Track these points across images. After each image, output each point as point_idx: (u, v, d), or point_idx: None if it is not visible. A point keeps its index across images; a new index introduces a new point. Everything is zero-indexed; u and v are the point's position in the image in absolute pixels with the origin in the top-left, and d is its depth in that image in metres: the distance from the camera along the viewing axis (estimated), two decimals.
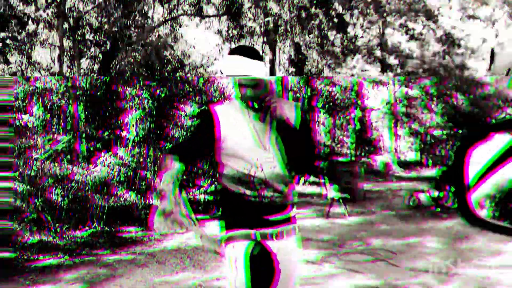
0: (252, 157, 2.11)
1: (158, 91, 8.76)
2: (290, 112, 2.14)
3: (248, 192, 2.12)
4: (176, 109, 9.30)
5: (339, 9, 14.84)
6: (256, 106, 2.13)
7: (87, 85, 8.86)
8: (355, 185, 10.84)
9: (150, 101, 8.77)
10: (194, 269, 5.19)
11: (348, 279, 4.73)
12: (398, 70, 17.55)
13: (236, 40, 15.20)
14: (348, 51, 15.21)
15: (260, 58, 2.17)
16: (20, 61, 12.10)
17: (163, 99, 8.94)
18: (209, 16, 14.91)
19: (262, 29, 14.86)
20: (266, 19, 14.48)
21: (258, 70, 2.14)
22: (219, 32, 15.67)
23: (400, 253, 5.76)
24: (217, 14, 14.86)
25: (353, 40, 15.46)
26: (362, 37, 15.79)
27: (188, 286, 4.64)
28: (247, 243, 2.13)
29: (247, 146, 2.12)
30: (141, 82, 8.54)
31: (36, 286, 4.75)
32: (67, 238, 6.62)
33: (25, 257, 5.78)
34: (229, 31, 15.30)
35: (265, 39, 15.26)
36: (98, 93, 8.88)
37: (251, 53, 2.15)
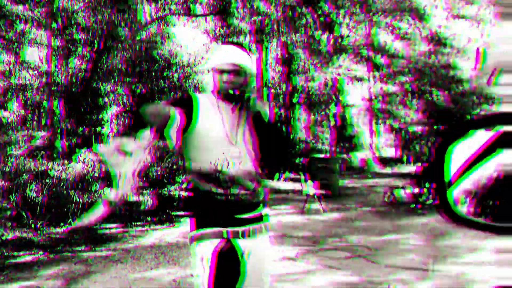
0: (219, 152, 2.07)
1: (133, 87, 8.75)
2: (262, 107, 2.15)
3: (214, 189, 2.07)
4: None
5: (326, 8, 14.85)
6: (231, 92, 2.09)
7: (63, 81, 8.82)
8: (332, 181, 10.83)
9: (125, 97, 8.76)
10: (168, 265, 5.18)
11: (325, 275, 4.68)
12: (385, 70, 17.52)
13: (224, 39, 15.19)
14: (335, 50, 15.23)
15: (249, 53, 2.16)
16: (8, 60, 12.07)
17: (139, 95, 8.92)
18: (197, 16, 14.87)
19: (250, 28, 14.88)
20: (254, 19, 14.51)
21: (248, 61, 2.12)
22: (207, 31, 15.65)
23: (377, 250, 5.71)
24: (204, 14, 14.84)
25: (340, 40, 15.46)
26: (349, 36, 15.79)
27: (163, 282, 4.61)
28: (215, 242, 2.07)
29: (215, 139, 2.07)
30: (116, 78, 8.53)
31: (12, 283, 4.72)
32: (42, 234, 6.59)
33: (1, 254, 5.73)
34: (217, 30, 15.29)
35: (253, 38, 15.29)
36: (73, 89, 8.83)
37: (241, 47, 2.16)
